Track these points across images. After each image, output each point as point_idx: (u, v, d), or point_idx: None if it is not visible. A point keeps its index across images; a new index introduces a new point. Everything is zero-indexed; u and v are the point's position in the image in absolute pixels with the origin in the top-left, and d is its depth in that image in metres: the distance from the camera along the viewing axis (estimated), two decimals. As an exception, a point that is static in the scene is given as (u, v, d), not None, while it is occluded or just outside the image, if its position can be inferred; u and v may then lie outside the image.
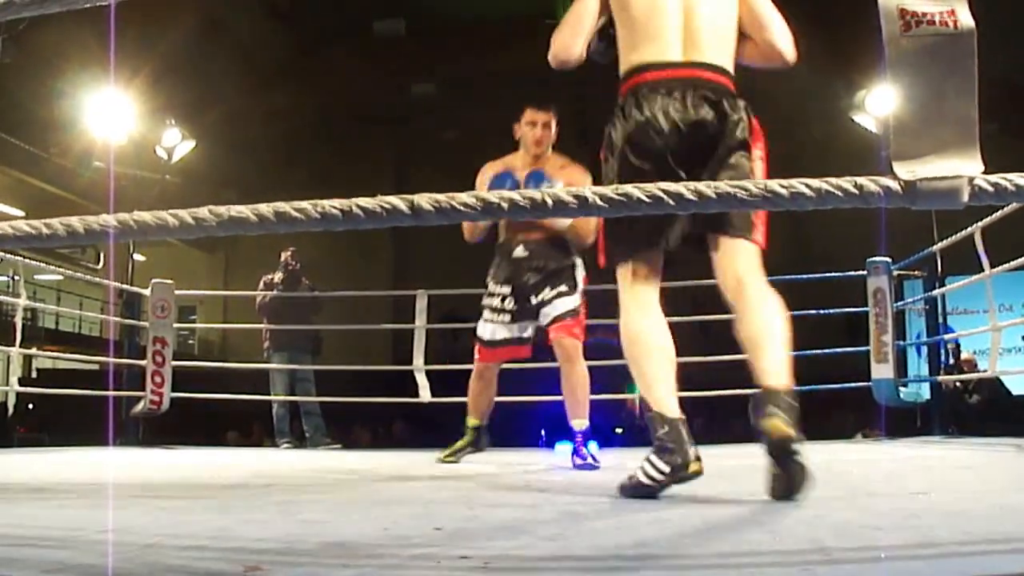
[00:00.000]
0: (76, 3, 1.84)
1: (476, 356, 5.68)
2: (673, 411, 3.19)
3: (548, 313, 5.40)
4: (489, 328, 5.58)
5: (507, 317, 5.54)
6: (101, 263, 20.58)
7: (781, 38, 3.53)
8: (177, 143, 14.34)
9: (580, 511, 2.82)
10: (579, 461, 5.26)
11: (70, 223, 1.74)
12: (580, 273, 5.50)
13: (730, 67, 3.43)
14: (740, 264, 3.29)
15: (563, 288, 5.41)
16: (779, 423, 2.82)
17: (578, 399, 5.41)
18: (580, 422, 5.39)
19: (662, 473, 3.08)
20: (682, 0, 3.40)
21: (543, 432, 11.33)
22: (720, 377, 7.94)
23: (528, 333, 5.61)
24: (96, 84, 12.91)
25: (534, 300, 5.44)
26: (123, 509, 2.97)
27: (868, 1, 1.68)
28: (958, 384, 10.14)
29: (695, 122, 3.26)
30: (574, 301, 5.41)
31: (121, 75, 13.23)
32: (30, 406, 15.43)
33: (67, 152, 16.47)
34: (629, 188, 1.64)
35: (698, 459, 3.12)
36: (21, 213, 18.82)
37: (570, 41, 3.58)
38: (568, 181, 5.18)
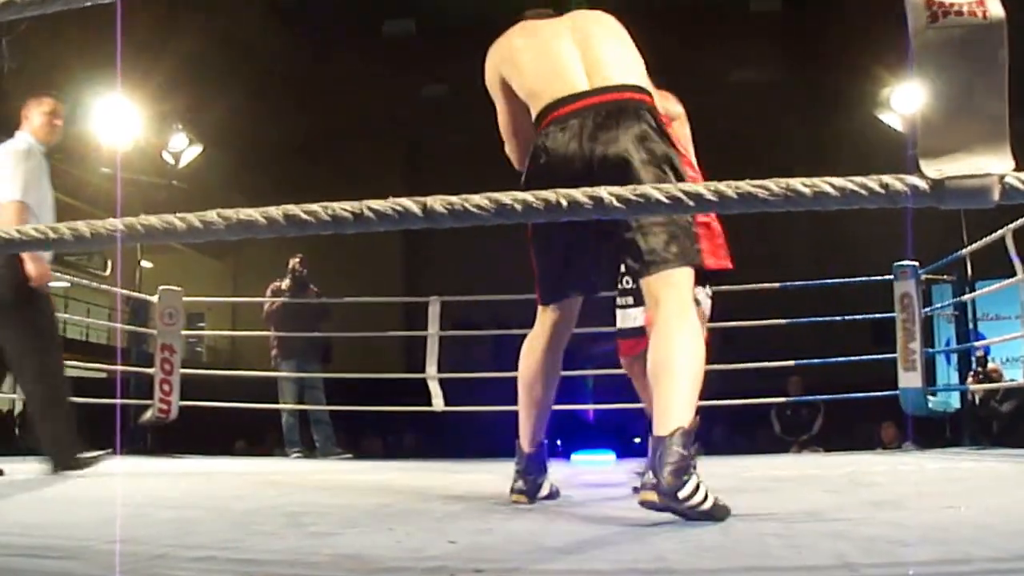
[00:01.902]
0: (78, 2, 1.83)
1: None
2: (525, 446, 3.61)
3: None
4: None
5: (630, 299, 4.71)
6: (108, 270, 20.54)
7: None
8: (184, 148, 14.28)
9: (597, 524, 2.75)
10: None
11: (77, 228, 1.74)
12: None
13: (642, 83, 3.39)
14: (662, 291, 3.14)
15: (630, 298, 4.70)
16: (647, 496, 2.73)
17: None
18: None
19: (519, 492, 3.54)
20: (573, 39, 3.46)
21: (559, 442, 11.18)
22: (744, 386, 7.79)
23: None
24: (102, 88, 12.81)
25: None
26: (131, 519, 2.99)
27: None
28: (986, 392, 9.95)
29: (602, 146, 3.20)
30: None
31: (127, 79, 13.12)
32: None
33: (73, 158, 16.40)
34: (647, 189, 1.61)
35: (521, 492, 3.53)
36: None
37: (513, 155, 3.75)
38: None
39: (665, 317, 3.07)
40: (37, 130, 5.64)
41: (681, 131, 4.56)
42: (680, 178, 3.14)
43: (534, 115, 3.43)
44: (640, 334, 4.44)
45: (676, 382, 2.90)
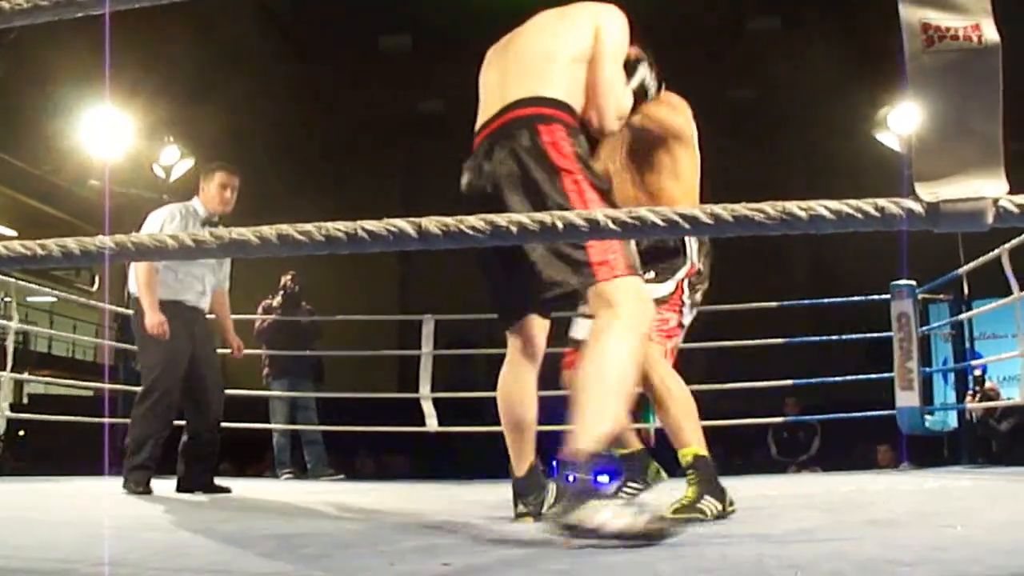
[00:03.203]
0: (67, 12, 1.82)
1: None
2: (515, 471, 3.61)
3: None
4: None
5: None
6: (96, 285, 20.53)
7: (601, 110, 3.43)
8: (176, 161, 14.23)
9: (593, 545, 2.62)
10: None
11: (65, 244, 1.73)
12: (692, 255, 4.25)
13: (540, 89, 3.33)
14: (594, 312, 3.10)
15: (654, 271, 4.21)
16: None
17: (669, 419, 4.05)
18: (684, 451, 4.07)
19: (521, 514, 3.51)
20: (505, 59, 3.50)
21: (554, 462, 11.14)
22: (741, 406, 7.76)
23: None
24: (92, 100, 12.80)
25: None
26: (118, 541, 2.98)
27: (891, 15, 1.60)
28: (984, 411, 9.95)
29: (485, 180, 3.26)
30: (664, 289, 4.17)
31: (118, 91, 13.11)
32: (21, 433, 15.29)
33: (62, 170, 16.40)
34: (643, 211, 1.62)
35: (524, 514, 3.48)
36: (14, 233, 18.71)
37: None
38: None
39: (594, 335, 3.03)
40: (206, 199, 6.24)
41: (680, 150, 4.35)
42: (544, 202, 3.07)
43: None
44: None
45: (581, 402, 2.83)
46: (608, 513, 2.52)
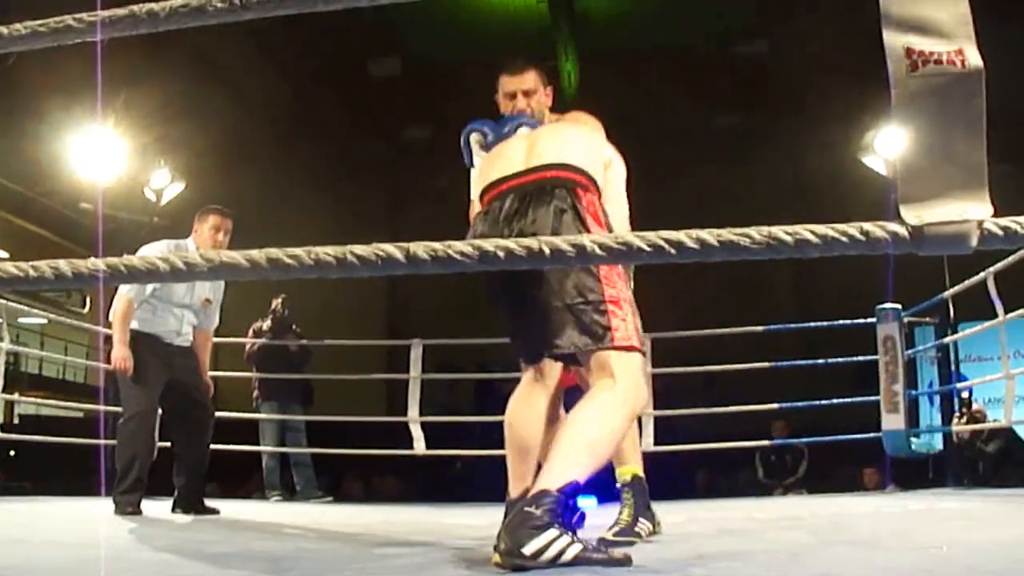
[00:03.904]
0: (65, 38, 1.85)
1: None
2: (511, 493, 3.46)
3: None
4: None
5: None
6: (87, 307, 20.45)
7: (615, 223, 3.51)
8: (167, 184, 14.24)
9: (580, 570, 2.63)
10: None
11: (58, 266, 1.69)
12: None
13: (574, 161, 3.36)
14: (591, 376, 3.14)
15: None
16: (496, 557, 2.67)
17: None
18: (624, 469, 4.16)
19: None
20: (528, 138, 3.56)
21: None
22: (727, 429, 7.81)
23: None
24: (85, 123, 12.81)
25: None
26: (111, 562, 2.97)
27: (876, 40, 1.59)
28: (971, 434, 9.98)
29: (514, 227, 3.19)
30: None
31: (110, 115, 13.12)
32: (12, 453, 15.26)
33: (54, 192, 16.39)
34: (629, 236, 1.61)
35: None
36: (5, 254, 18.66)
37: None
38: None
39: (588, 395, 3.06)
40: (199, 241, 6.33)
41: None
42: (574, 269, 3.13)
43: (476, 202, 3.52)
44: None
45: (560, 444, 2.88)
46: (561, 544, 2.59)
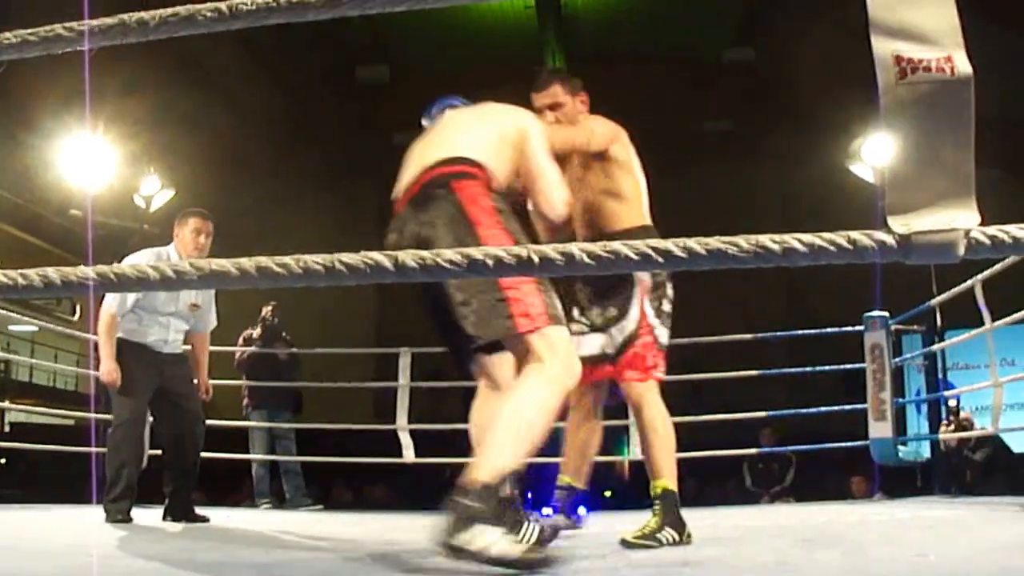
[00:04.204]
0: (55, 47, 1.85)
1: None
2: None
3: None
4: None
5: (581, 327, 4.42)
6: (77, 315, 20.39)
7: (544, 196, 3.59)
8: (156, 192, 14.23)
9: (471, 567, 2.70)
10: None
11: (47, 274, 1.69)
12: (641, 274, 4.31)
13: (460, 151, 3.41)
14: (520, 362, 3.18)
15: (613, 308, 4.38)
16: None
17: (650, 452, 4.21)
18: (656, 482, 4.14)
19: None
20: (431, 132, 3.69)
21: (528, 494, 11.13)
22: (715, 437, 7.82)
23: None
24: (74, 130, 12.79)
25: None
26: (101, 570, 3.02)
27: (864, 47, 1.60)
28: (959, 442, 10.00)
29: (413, 238, 3.26)
30: (629, 323, 4.31)
31: (100, 121, 13.10)
32: (2, 460, 15.23)
33: (43, 199, 16.34)
34: (616, 245, 1.60)
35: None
36: (-6, 262, 18.61)
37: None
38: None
39: (515, 382, 3.14)
40: (181, 245, 6.25)
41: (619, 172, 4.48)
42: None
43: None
44: (594, 362, 4.32)
45: (489, 437, 2.94)
46: (489, 539, 2.64)
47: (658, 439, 4.13)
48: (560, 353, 3.09)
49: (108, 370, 5.97)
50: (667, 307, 4.40)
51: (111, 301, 6.02)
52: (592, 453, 4.65)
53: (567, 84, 4.49)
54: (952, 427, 9.77)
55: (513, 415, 2.94)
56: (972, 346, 8.71)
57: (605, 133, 4.40)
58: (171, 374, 6.22)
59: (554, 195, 3.56)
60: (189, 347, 6.64)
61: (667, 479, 4.06)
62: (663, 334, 4.35)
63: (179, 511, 6.16)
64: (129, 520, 5.84)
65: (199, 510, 6.32)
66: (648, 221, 4.43)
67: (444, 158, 3.38)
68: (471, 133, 3.51)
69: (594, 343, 4.35)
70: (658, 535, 3.82)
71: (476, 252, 1.61)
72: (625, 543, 3.80)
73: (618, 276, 4.26)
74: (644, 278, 4.29)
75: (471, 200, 3.23)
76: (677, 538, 3.86)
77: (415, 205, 3.33)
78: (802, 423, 9.75)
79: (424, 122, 4.15)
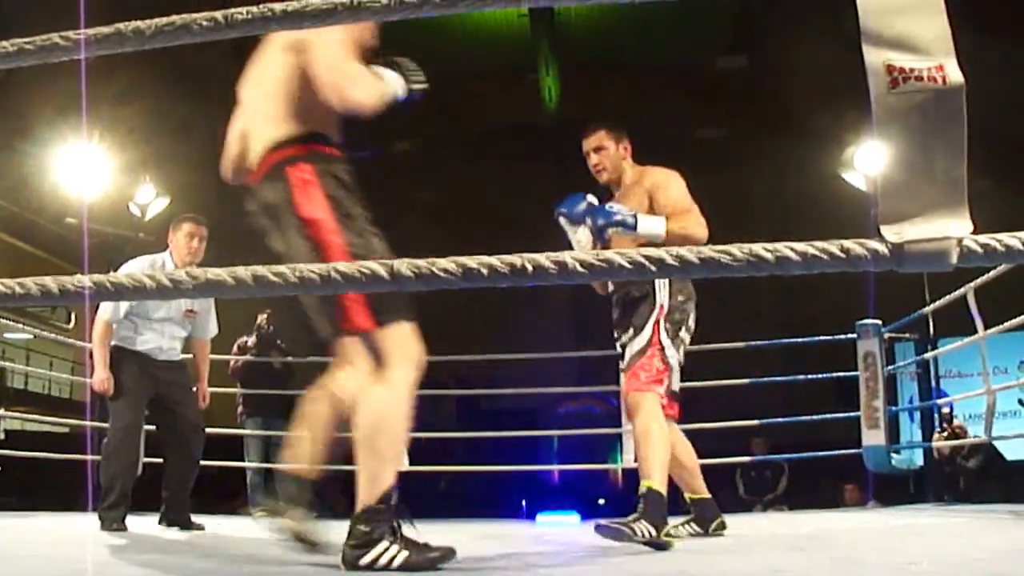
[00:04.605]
0: (51, 56, 1.85)
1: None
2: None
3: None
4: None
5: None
6: (72, 323, 20.37)
7: (340, 93, 3.30)
8: (151, 200, 14.22)
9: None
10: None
11: (44, 283, 1.70)
12: (660, 296, 4.62)
13: (276, 134, 3.36)
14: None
15: (631, 327, 4.66)
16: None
17: (641, 454, 4.41)
18: (644, 482, 4.31)
19: None
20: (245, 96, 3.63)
21: (524, 502, 11.16)
22: (707, 446, 7.83)
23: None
24: (70, 138, 12.79)
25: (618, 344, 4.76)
26: None
27: (856, 56, 1.61)
28: (952, 449, 10.01)
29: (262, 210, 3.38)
30: (640, 341, 4.59)
31: (95, 130, 13.10)
32: (-1, 469, 15.20)
33: (39, 208, 16.33)
34: (610, 254, 1.61)
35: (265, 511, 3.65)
36: (-10, 270, 18.60)
37: None
38: (646, 196, 4.74)
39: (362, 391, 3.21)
40: (175, 251, 6.28)
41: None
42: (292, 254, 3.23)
43: None
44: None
45: (360, 461, 3.13)
46: (391, 554, 2.98)
47: (650, 445, 4.33)
48: (400, 354, 3.21)
49: (100, 379, 6.00)
50: (684, 335, 4.69)
51: (105, 309, 6.04)
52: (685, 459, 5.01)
53: (612, 132, 4.91)
54: (945, 435, 9.79)
55: (371, 437, 3.12)
56: (965, 354, 8.74)
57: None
58: (167, 381, 6.23)
59: (353, 91, 3.31)
60: (190, 356, 6.65)
61: (655, 481, 4.23)
62: (672, 356, 4.60)
63: (175, 518, 6.19)
64: (124, 528, 5.84)
65: (194, 518, 6.33)
66: None
67: (272, 143, 3.34)
68: (272, 103, 3.41)
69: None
70: (633, 525, 3.99)
71: (471, 261, 1.61)
72: (599, 527, 4.02)
73: (642, 297, 4.58)
74: (663, 302, 4.56)
75: (300, 183, 3.23)
76: (654, 533, 4.00)
77: (260, 187, 3.36)
78: (795, 431, 9.75)
79: None
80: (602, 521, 4.07)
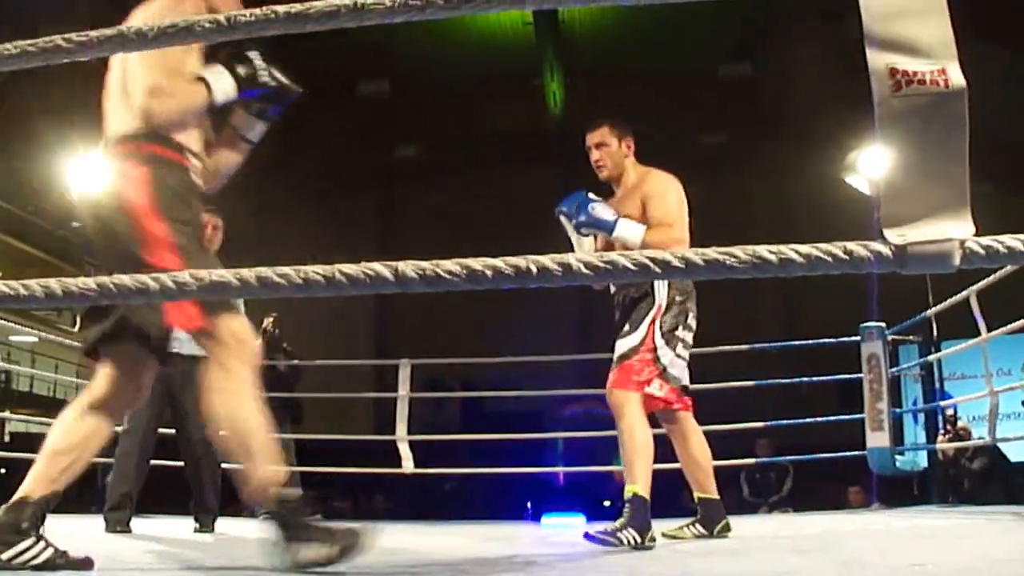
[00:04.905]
0: (55, 58, 1.86)
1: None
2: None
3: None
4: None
5: None
6: (78, 326, 20.39)
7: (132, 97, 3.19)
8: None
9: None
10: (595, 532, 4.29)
11: (48, 285, 1.71)
12: (659, 296, 4.61)
13: (123, 128, 3.25)
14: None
15: (628, 323, 4.65)
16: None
17: (625, 459, 4.40)
18: (628, 487, 4.30)
19: None
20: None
21: (529, 504, 11.16)
22: (712, 448, 7.84)
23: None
24: (77, 142, 12.79)
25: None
26: None
27: (860, 60, 1.61)
28: (956, 451, 10.00)
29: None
30: (633, 339, 4.57)
31: (100, 133, 13.10)
32: (2, 471, 15.20)
33: (44, 211, 16.34)
34: (614, 256, 1.62)
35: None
36: (-3, 272, 18.63)
37: None
38: (640, 203, 4.71)
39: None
40: None
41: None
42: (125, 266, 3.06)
43: None
44: None
45: (244, 464, 3.15)
46: (32, 552, 2.98)
47: (633, 447, 4.36)
48: (234, 345, 3.20)
49: None
50: (682, 334, 4.67)
51: None
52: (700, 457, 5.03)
53: (615, 128, 4.86)
54: (949, 437, 9.78)
55: (239, 433, 3.14)
56: (968, 356, 8.74)
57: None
58: (179, 378, 6.06)
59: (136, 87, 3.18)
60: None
61: (638, 485, 4.26)
62: (666, 355, 4.58)
63: (201, 520, 6.30)
64: (129, 531, 5.84)
65: (188, 520, 6.34)
66: None
67: (118, 136, 3.24)
68: (122, 92, 3.29)
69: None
70: (619, 534, 4.04)
71: (475, 263, 1.62)
72: (587, 536, 4.10)
73: (642, 296, 4.59)
74: (661, 300, 4.57)
75: (131, 197, 3.12)
76: (639, 540, 4.06)
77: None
78: (799, 433, 9.75)
79: None
80: (588, 530, 4.15)
